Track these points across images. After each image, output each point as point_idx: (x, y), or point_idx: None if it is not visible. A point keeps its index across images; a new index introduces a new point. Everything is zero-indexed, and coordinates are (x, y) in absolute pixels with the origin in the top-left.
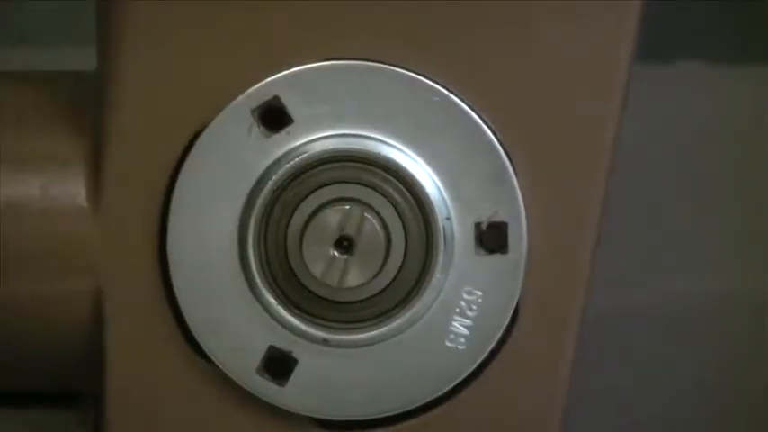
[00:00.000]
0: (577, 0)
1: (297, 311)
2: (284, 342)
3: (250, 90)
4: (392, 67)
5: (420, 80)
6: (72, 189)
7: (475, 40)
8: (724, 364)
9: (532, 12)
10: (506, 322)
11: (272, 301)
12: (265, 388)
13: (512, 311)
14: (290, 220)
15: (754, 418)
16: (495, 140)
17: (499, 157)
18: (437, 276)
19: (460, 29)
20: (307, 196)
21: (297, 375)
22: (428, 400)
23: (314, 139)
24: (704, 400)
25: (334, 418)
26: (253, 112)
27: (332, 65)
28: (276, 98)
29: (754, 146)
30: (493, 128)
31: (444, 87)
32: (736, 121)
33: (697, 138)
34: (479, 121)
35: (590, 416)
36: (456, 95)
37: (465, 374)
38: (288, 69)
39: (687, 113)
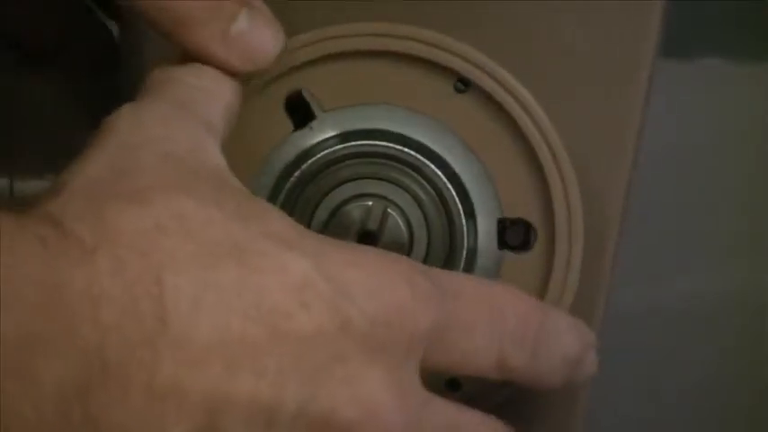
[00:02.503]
0: (603, 0)
1: None
2: None
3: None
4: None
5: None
6: None
7: (503, 37)
8: (733, 359)
9: (560, 12)
10: None
11: None
12: None
13: None
14: (312, 216)
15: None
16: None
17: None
18: (460, 272)
19: (490, 26)
20: (329, 192)
21: None
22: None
23: (337, 134)
24: (711, 395)
25: None
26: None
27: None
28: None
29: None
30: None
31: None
32: (751, 120)
33: (713, 136)
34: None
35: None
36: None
37: None
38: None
39: (702, 110)
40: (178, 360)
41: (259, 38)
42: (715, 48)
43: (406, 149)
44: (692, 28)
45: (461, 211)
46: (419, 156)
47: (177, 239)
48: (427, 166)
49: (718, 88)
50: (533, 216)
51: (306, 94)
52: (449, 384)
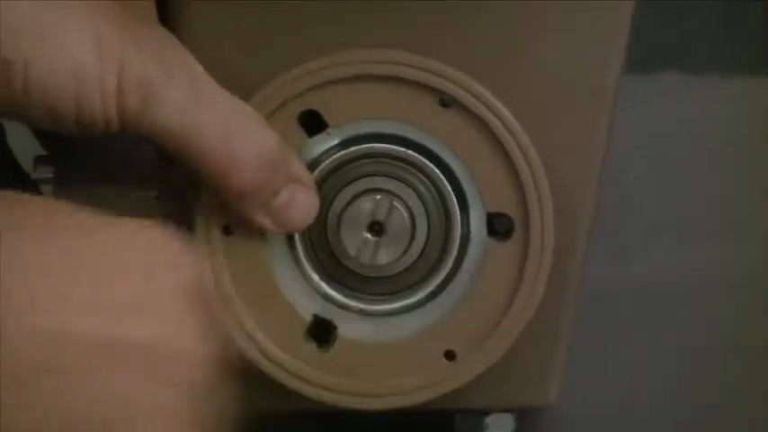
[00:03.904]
0: (573, 1)
1: (336, 286)
2: (326, 312)
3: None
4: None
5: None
6: None
7: (482, 57)
8: (718, 331)
9: (533, 32)
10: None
11: (315, 276)
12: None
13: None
14: (329, 208)
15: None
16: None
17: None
18: (454, 257)
19: (471, 47)
20: (344, 188)
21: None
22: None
23: (348, 138)
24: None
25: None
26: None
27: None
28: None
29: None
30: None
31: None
32: (709, 124)
33: (676, 139)
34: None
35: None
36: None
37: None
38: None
39: (664, 117)
40: None
41: (296, 210)
42: (674, 62)
43: (409, 150)
44: (652, 44)
45: (456, 205)
46: (420, 156)
47: None
48: (427, 165)
49: (678, 100)
50: (512, 210)
51: (318, 109)
52: (446, 355)
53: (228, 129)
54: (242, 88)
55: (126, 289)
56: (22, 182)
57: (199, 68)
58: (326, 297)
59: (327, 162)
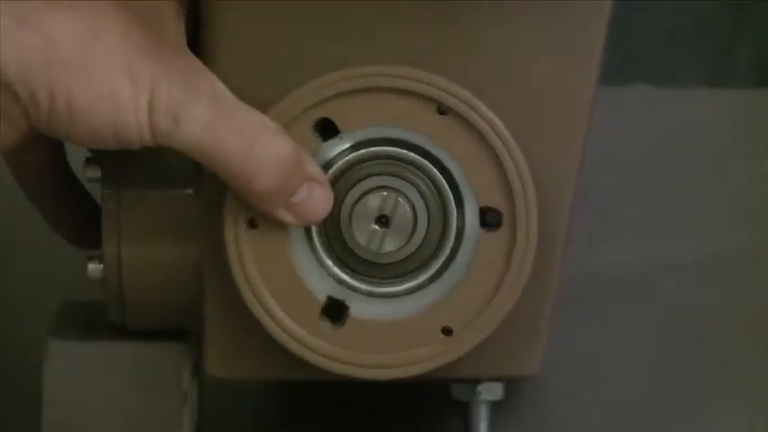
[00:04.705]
0: (552, 0)
1: (348, 271)
2: (340, 294)
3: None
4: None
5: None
6: None
7: (475, 68)
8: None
9: (519, 44)
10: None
11: (329, 263)
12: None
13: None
14: (342, 203)
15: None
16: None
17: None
18: (451, 245)
19: (465, 60)
20: (354, 185)
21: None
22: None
23: (361, 141)
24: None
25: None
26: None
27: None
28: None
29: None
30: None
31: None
32: (681, 132)
33: (646, 146)
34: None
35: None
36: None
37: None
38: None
39: (634, 125)
40: None
41: (313, 205)
42: (644, 75)
43: (411, 153)
44: (622, 57)
45: (453, 200)
46: (421, 157)
47: None
48: (427, 165)
49: (646, 109)
50: (501, 204)
51: (331, 117)
52: (444, 331)
53: (248, 140)
54: (266, 98)
55: None
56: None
57: (221, 88)
58: (339, 280)
59: (340, 163)
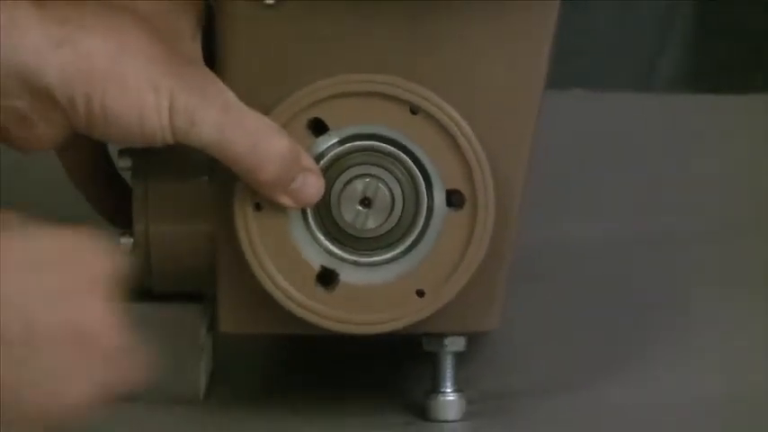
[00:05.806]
0: (503, 1)
1: (338, 244)
2: (331, 263)
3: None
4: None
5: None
6: None
7: (442, 73)
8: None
9: (465, 14)
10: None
11: (322, 238)
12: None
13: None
14: (331, 188)
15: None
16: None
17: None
18: (423, 222)
19: (433, 66)
20: (342, 173)
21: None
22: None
23: (347, 137)
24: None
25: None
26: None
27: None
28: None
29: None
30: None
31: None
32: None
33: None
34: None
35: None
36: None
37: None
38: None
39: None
40: None
41: (308, 190)
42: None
43: (389, 146)
44: (559, 62)
45: (423, 184)
46: (397, 150)
47: None
48: (402, 156)
49: (582, 112)
50: (464, 187)
51: (322, 117)
52: (417, 293)
53: (254, 138)
54: (266, 102)
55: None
56: (116, 181)
57: (230, 95)
58: (330, 252)
59: (330, 155)
